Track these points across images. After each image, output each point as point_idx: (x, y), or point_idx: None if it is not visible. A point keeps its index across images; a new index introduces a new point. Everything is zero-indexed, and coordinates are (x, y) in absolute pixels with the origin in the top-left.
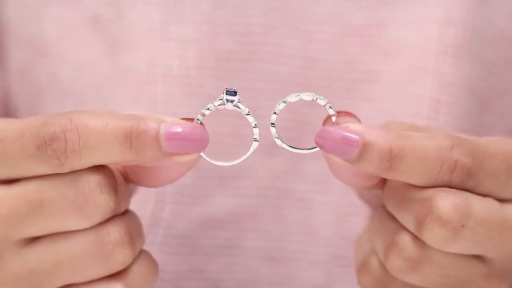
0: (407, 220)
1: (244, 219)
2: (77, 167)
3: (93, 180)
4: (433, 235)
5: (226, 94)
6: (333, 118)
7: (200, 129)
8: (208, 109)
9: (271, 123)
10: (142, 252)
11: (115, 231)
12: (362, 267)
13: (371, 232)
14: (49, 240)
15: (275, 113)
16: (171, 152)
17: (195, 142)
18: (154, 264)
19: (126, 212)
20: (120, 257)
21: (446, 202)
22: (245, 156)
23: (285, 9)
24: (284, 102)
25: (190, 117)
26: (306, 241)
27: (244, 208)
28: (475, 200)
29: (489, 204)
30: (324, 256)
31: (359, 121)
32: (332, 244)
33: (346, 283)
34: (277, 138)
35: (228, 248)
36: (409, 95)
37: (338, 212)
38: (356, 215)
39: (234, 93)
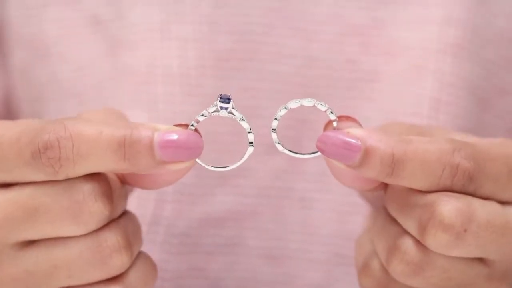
0: (409, 224)
1: (244, 218)
2: (72, 175)
3: (87, 188)
4: (436, 240)
5: (220, 101)
6: (334, 124)
7: (195, 136)
8: (202, 115)
9: (272, 129)
10: (140, 254)
11: (111, 237)
12: (363, 269)
13: (372, 233)
14: (45, 244)
15: (276, 119)
16: (165, 161)
17: (190, 149)
18: (152, 265)
19: (123, 214)
20: (118, 262)
21: (449, 206)
22: (241, 162)
23: (285, 9)
24: (285, 108)
25: (184, 123)
26: (306, 240)
27: (244, 207)
28: (477, 204)
29: (491, 208)
30: (324, 255)
31: (360, 125)
32: (332, 243)
33: (346, 282)
34: (278, 143)
35: (229, 247)
36: (409, 94)
37: (338, 211)
38: (356, 214)
39: (228, 100)
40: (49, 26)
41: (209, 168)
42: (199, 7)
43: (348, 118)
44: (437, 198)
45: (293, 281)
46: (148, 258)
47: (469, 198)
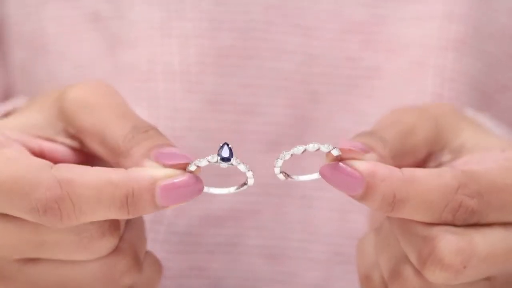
0: (410, 253)
1: (245, 217)
2: (75, 225)
3: (94, 227)
4: (434, 276)
5: (221, 159)
6: (335, 153)
7: (194, 180)
8: (207, 160)
9: (275, 167)
10: (146, 255)
11: (121, 261)
12: (365, 280)
13: (376, 242)
14: (54, 262)
15: (280, 159)
16: (165, 206)
17: (190, 195)
18: (158, 265)
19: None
20: (128, 282)
21: (449, 245)
22: (241, 189)
23: (285, 6)
24: (290, 154)
25: (183, 163)
26: (306, 239)
27: (245, 205)
28: (478, 238)
29: (494, 237)
30: (324, 254)
31: (365, 149)
32: (332, 242)
33: (347, 281)
34: (280, 174)
35: (229, 246)
36: (410, 91)
37: (339, 209)
38: (357, 212)
39: (229, 159)
40: (48, 24)
41: (209, 191)
42: (199, 4)
43: (350, 149)
44: (438, 234)
45: (294, 280)
46: (153, 258)
47: (471, 232)
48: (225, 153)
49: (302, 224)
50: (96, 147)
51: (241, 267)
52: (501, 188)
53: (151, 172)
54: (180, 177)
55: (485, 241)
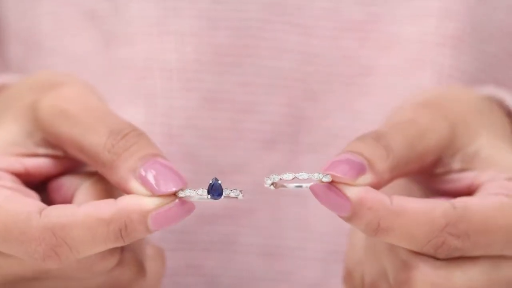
0: (389, 271)
1: (241, 215)
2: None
3: (94, 254)
4: None
5: (211, 197)
6: (325, 179)
7: (184, 207)
8: (198, 194)
9: (266, 183)
10: (147, 248)
11: (126, 272)
12: (347, 277)
13: (364, 243)
14: (60, 280)
15: (268, 178)
16: (158, 230)
17: (182, 217)
18: (161, 256)
19: None
20: (136, 287)
21: (425, 278)
22: (229, 198)
23: (283, 4)
24: (280, 178)
25: (173, 191)
26: (302, 237)
27: (241, 203)
28: (458, 274)
29: (475, 272)
30: (320, 253)
31: (359, 171)
32: (328, 240)
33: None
34: (271, 186)
35: (225, 244)
36: (408, 88)
37: None
38: None
39: (219, 194)
40: (43, 20)
41: (201, 198)
42: (196, 2)
43: (341, 176)
44: (417, 265)
45: (290, 278)
46: (154, 251)
47: (451, 267)
48: (216, 191)
49: (298, 222)
50: (77, 155)
51: (236, 265)
52: (491, 229)
53: (141, 204)
54: (171, 205)
55: (464, 276)
